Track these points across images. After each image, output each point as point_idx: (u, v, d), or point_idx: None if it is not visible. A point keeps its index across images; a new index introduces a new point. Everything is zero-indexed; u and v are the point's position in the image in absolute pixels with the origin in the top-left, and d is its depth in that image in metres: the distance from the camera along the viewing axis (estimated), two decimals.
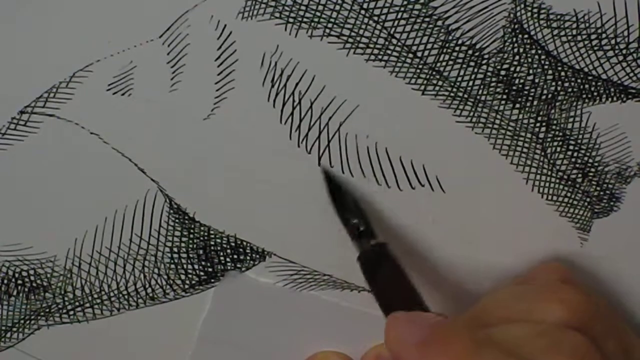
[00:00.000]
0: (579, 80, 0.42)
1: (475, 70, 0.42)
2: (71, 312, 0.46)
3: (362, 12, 0.41)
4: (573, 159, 0.43)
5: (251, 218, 0.44)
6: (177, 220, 0.44)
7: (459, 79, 0.42)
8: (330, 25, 0.41)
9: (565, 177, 0.44)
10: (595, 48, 0.41)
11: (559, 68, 0.42)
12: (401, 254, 0.42)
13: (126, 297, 0.45)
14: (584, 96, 0.43)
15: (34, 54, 0.42)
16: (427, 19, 0.41)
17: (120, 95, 0.43)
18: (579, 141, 0.43)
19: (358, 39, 0.42)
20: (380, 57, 0.42)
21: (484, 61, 0.42)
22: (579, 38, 0.41)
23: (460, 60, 0.42)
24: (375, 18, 0.41)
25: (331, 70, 0.42)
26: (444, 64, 0.42)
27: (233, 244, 0.45)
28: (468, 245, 0.44)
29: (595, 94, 0.42)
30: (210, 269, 0.45)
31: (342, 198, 0.43)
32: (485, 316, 0.38)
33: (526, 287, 0.40)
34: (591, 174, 0.44)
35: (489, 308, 0.39)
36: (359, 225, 0.42)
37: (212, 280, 0.45)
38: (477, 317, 0.38)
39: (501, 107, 0.43)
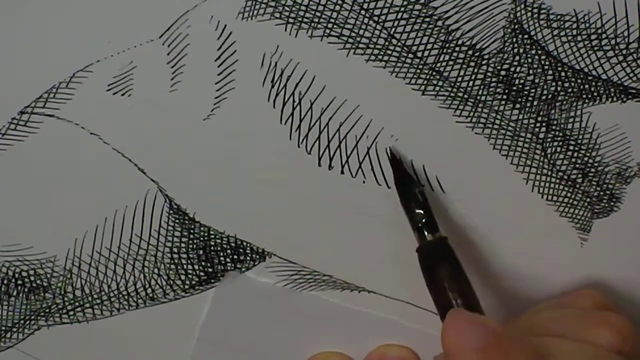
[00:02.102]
0: (579, 81, 0.42)
1: (476, 70, 0.42)
2: (71, 312, 0.46)
3: (362, 12, 0.41)
4: (573, 159, 0.43)
5: (251, 218, 0.44)
6: (177, 221, 0.44)
7: (459, 79, 0.42)
8: (330, 25, 0.41)
9: (565, 177, 0.44)
10: (595, 48, 0.41)
11: (559, 68, 0.42)
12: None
13: (126, 297, 0.45)
14: (584, 96, 0.43)
15: (34, 54, 0.42)
16: (427, 19, 0.41)
17: (120, 95, 0.43)
18: (579, 141, 0.43)
19: (358, 39, 0.42)
20: (380, 57, 0.42)
21: (484, 61, 0.42)
22: (579, 38, 0.41)
23: (460, 61, 0.42)
24: (376, 18, 0.41)
25: (331, 71, 0.42)
26: (444, 64, 0.42)
27: (233, 244, 0.45)
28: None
29: (595, 94, 0.42)
30: (210, 269, 0.45)
31: (408, 186, 0.42)
32: (540, 329, 0.39)
33: (574, 310, 0.41)
34: (591, 174, 0.44)
35: (542, 322, 0.40)
36: (422, 217, 0.42)
37: (212, 281, 0.45)
38: (533, 330, 0.39)
39: (501, 107, 0.43)
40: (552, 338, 0.38)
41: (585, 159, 0.43)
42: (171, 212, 0.44)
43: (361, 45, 0.42)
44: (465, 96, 0.42)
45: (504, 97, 0.42)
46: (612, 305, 0.42)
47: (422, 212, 0.42)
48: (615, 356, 0.38)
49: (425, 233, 0.42)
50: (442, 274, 0.40)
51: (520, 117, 0.43)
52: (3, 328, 0.46)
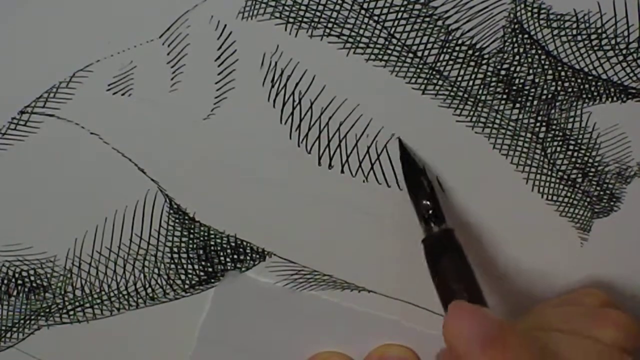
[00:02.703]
0: (579, 80, 0.42)
1: (476, 70, 0.42)
2: (71, 312, 0.46)
3: (362, 12, 0.41)
4: (573, 159, 0.43)
5: (251, 218, 0.44)
6: (177, 220, 0.44)
7: (459, 78, 0.42)
8: (330, 25, 0.41)
9: (565, 177, 0.44)
10: (595, 48, 0.41)
11: (559, 68, 0.42)
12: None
13: (126, 297, 0.45)
14: (584, 96, 0.43)
15: (34, 54, 0.42)
16: (427, 19, 0.41)
17: (120, 95, 0.43)
18: (579, 141, 0.43)
19: (358, 38, 0.42)
20: (380, 57, 0.42)
21: (484, 61, 0.42)
22: (579, 38, 0.41)
23: (460, 60, 0.42)
24: (376, 18, 0.41)
25: (331, 70, 0.42)
26: (444, 63, 0.42)
27: (233, 244, 0.45)
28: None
29: (595, 94, 0.42)
30: (210, 269, 0.45)
31: (416, 176, 0.42)
32: (546, 325, 0.39)
33: (579, 308, 0.41)
34: (591, 174, 0.44)
35: (547, 319, 0.40)
36: (428, 208, 0.42)
37: (212, 280, 0.45)
38: (538, 326, 0.39)
39: (501, 107, 0.43)
40: (558, 333, 0.38)
41: (585, 158, 0.43)
42: (171, 212, 0.44)
43: (361, 45, 0.42)
44: (465, 95, 0.42)
45: (504, 96, 0.42)
46: (615, 304, 0.42)
47: (429, 203, 0.42)
48: (618, 353, 0.38)
49: (432, 225, 0.41)
50: (446, 265, 0.40)
51: (520, 116, 0.43)
52: (3, 328, 0.46)
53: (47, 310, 0.46)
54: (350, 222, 0.44)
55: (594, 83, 0.42)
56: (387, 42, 0.42)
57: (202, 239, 0.45)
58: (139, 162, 0.44)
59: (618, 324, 0.39)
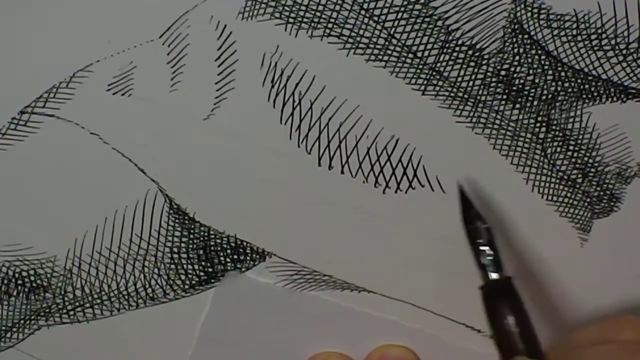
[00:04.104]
0: (579, 81, 0.42)
1: (476, 70, 0.42)
2: (71, 312, 0.46)
3: (362, 12, 0.41)
4: (573, 159, 0.43)
5: (251, 218, 0.44)
6: (177, 221, 0.44)
7: (459, 79, 0.42)
8: (330, 25, 0.41)
9: (566, 177, 0.44)
10: (595, 48, 0.42)
11: (559, 68, 0.42)
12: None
13: (126, 297, 0.45)
14: (584, 96, 0.43)
15: (34, 54, 0.42)
16: (427, 19, 0.41)
17: (120, 95, 0.43)
18: (579, 141, 0.43)
19: (358, 39, 0.42)
20: (380, 57, 0.42)
21: (484, 61, 0.42)
22: (579, 38, 0.41)
23: (460, 61, 0.42)
24: (376, 18, 0.41)
25: (331, 71, 0.42)
26: (444, 64, 0.42)
27: (233, 244, 0.45)
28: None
29: (595, 94, 0.42)
30: (210, 269, 0.45)
31: (475, 224, 0.42)
32: None
33: (618, 346, 0.40)
34: (591, 174, 0.44)
35: None
36: (488, 255, 0.41)
37: (212, 281, 0.45)
38: None
39: (501, 107, 0.43)
40: None
41: (585, 159, 0.43)
42: (171, 212, 0.44)
43: (361, 45, 0.42)
44: (465, 96, 0.42)
45: (504, 97, 0.42)
46: None
47: (488, 249, 0.41)
48: None
49: (490, 272, 0.41)
50: (506, 314, 0.40)
51: (520, 117, 0.43)
52: (3, 328, 0.46)
53: (47, 310, 0.46)
54: (350, 222, 0.44)
55: (594, 83, 0.42)
56: (387, 43, 0.42)
57: (202, 239, 0.45)
58: (139, 162, 0.44)
59: None
